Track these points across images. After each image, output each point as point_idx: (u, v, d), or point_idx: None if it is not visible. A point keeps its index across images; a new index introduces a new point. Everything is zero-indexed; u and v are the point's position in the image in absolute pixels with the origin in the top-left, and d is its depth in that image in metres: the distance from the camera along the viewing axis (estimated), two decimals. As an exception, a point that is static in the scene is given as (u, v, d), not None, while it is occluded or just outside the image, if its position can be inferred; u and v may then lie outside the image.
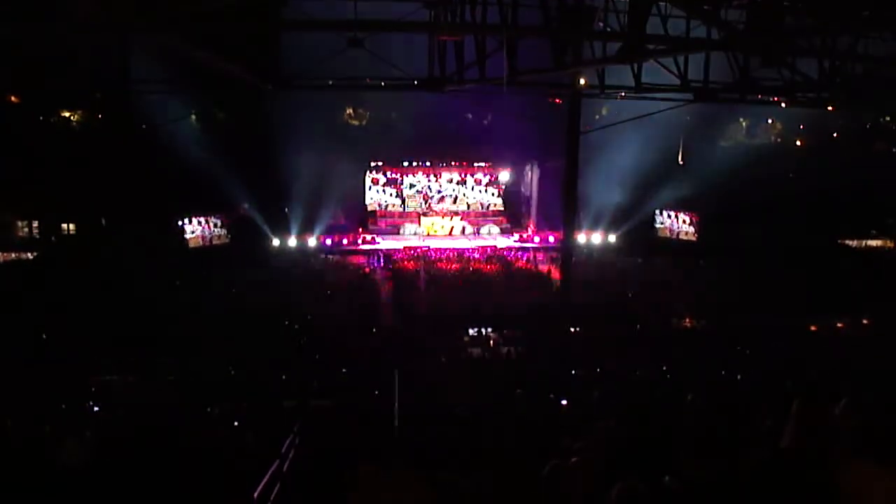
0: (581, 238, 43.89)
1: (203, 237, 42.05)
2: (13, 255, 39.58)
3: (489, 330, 29.04)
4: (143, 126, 39.80)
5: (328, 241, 44.53)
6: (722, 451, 4.38)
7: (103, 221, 41.15)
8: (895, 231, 43.39)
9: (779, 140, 56.93)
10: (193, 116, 46.76)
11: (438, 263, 40.39)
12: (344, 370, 22.50)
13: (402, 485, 2.83)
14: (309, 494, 8.82)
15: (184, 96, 39.00)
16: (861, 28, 12.30)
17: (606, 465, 4.65)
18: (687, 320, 29.98)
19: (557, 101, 28.01)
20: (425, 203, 49.66)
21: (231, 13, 10.82)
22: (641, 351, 25.31)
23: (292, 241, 43.98)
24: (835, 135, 52.48)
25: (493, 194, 50.25)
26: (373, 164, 48.47)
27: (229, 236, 43.23)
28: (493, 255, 43.05)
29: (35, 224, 41.62)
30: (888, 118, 49.98)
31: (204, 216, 41.87)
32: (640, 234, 45.48)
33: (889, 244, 42.74)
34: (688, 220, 45.23)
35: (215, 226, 42.69)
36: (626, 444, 5.13)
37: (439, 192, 49.82)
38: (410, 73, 18.73)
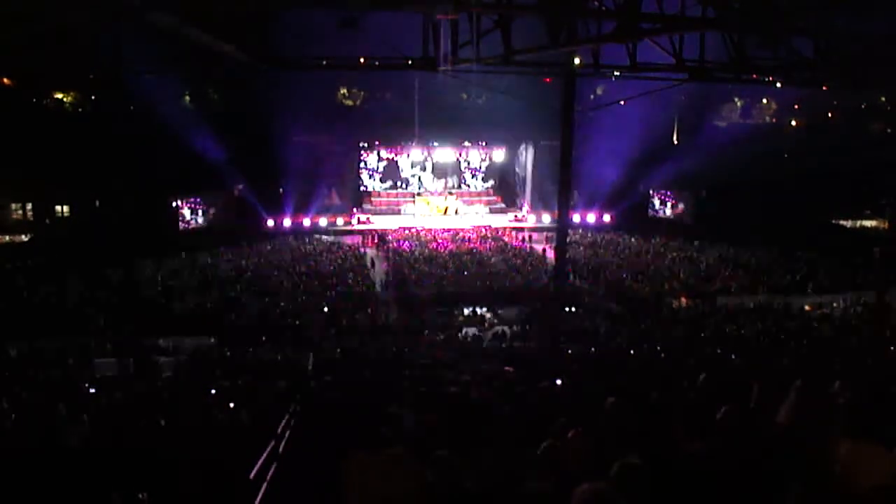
0: (576, 217, 43.96)
1: (195, 219, 42.06)
2: (7, 237, 39.46)
3: (483, 309, 29.05)
4: (137, 107, 39.58)
5: (322, 222, 44.55)
6: (719, 429, 4.40)
7: (97, 203, 41.02)
8: (889, 211, 43.40)
9: (774, 120, 56.87)
10: (187, 97, 46.66)
11: (432, 243, 40.36)
12: (339, 350, 22.54)
13: (393, 468, 2.82)
14: (305, 475, 8.83)
15: (177, 77, 38.84)
16: (856, 5, 12.24)
17: (604, 443, 4.66)
18: (682, 300, 30.00)
19: (548, 80, 27.87)
20: (420, 182, 49.75)
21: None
22: (636, 330, 25.42)
23: (287, 222, 44.03)
24: (830, 115, 52.45)
25: (479, 177, 50.50)
26: (367, 143, 48.39)
27: (221, 217, 43.24)
28: (487, 234, 43.07)
29: (29, 206, 41.46)
30: (883, 98, 49.93)
31: (197, 197, 41.86)
32: (636, 214, 45.62)
33: (883, 224, 42.73)
34: (682, 200, 45.33)
35: (207, 207, 42.73)
36: (623, 422, 5.14)
37: (434, 171, 49.92)
38: (404, 53, 18.59)
